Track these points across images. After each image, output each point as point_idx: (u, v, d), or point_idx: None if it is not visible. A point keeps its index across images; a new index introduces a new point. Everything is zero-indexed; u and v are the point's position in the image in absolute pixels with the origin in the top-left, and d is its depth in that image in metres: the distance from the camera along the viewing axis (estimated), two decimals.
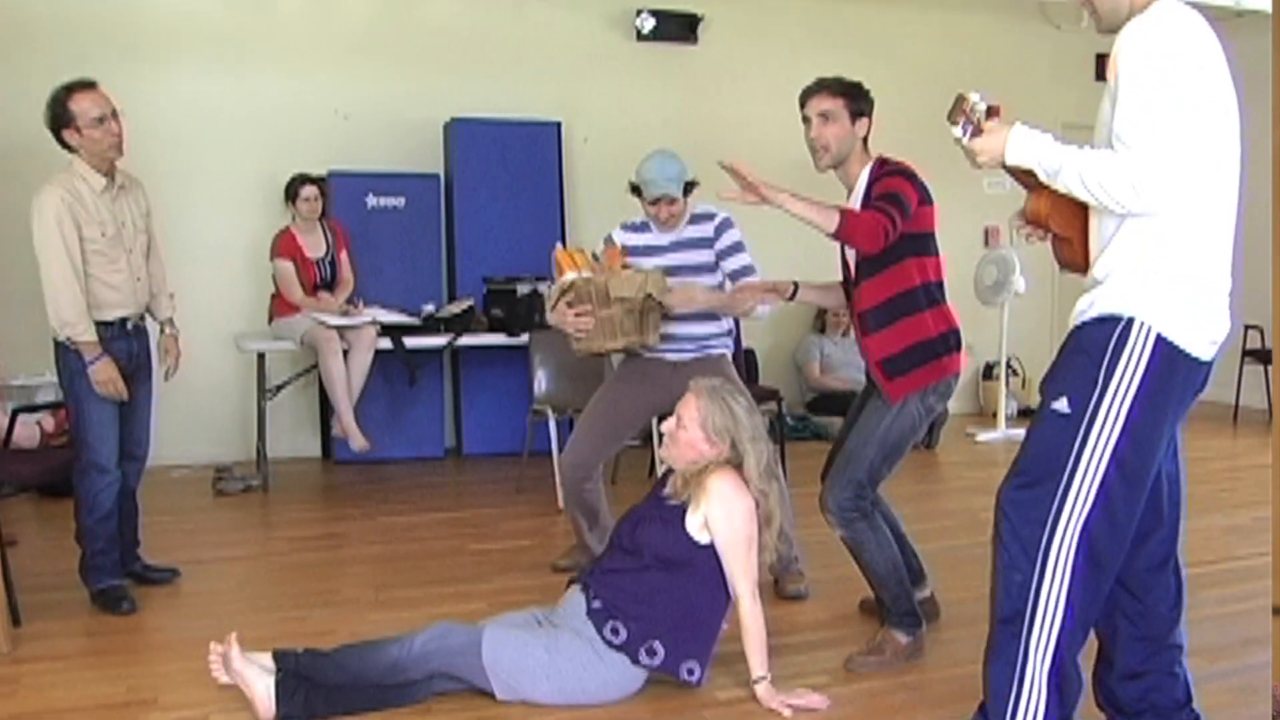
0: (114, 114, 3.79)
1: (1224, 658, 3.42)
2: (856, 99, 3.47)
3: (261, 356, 5.94)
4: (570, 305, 3.92)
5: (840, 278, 3.60)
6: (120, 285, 3.87)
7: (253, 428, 6.14)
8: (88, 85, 3.78)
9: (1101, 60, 8.46)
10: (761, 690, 3.06)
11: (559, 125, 6.85)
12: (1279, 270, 4.00)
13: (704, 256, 4.05)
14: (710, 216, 4.10)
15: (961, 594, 4.04)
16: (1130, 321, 2.43)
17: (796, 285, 3.68)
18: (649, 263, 4.05)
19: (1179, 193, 2.33)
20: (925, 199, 3.34)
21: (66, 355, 3.80)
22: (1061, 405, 2.50)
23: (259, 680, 2.92)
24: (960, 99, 2.50)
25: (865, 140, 3.48)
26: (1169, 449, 2.65)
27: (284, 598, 4.12)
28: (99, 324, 3.80)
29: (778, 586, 4.06)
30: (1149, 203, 2.32)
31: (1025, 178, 2.55)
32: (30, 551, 4.50)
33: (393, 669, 2.97)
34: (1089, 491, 2.47)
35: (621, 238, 4.16)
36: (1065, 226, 2.60)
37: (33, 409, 4.69)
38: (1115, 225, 2.45)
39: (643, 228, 4.15)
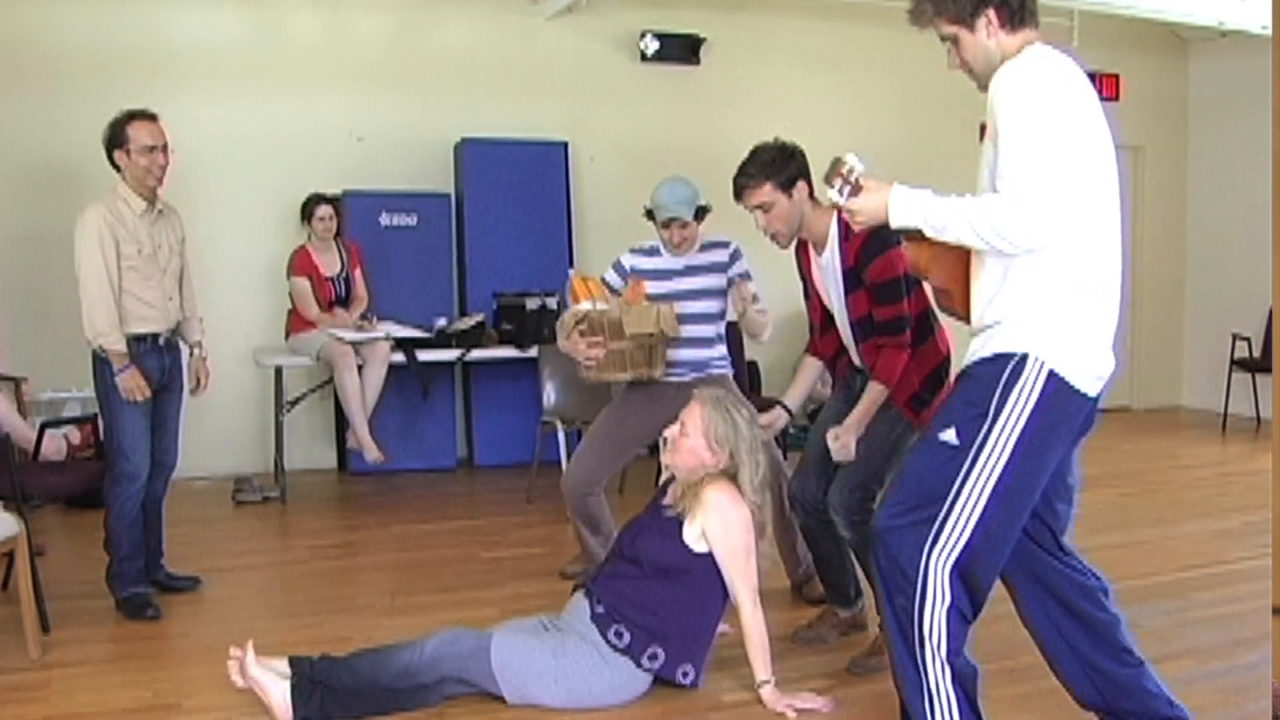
0: (164, 147, 3.97)
1: (1215, 659, 3.49)
2: (780, 172, 3.38)
3: (279, 371, 6.04)
4: (582, 334, 4.01)
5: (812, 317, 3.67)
6: (153, 302, 4.02)
7: (271, 440, 6.24)
8: (149, 116, 3.98)
9: (1092, 77, 8.56)
10: (766, 693, 3.12)
11: (566, 145, 6.96)
12: (1278, 280, 4.00)
13: (718, 281, 4.14)
14: (724, 244, 4.19)
15: None
16: (1024, 358, 2.46)
17: (784, 406, 3.67)
18: (661, 286, 4.13)
19: (1067, 226, 2.36)
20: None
21: (103, 368, 3.95)
22: (949, 436, 2.52)
23: (275, 685, 2.99)
24: (837, 161, 2.52)
25: (812, 195, 3.43)
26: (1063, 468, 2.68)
27: (301, 604, 4.21)
28: (132, 337, 3.96)
29: (802, 593, 4.13)
30: (1041, 237, 2.35)
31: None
32: (58, 561, 4.59)
33: (404, 673, 3.04)
34: (968, 520, 2.51)
35: (631, 261, 4.24)
36: (945, 279, 2.63)
37: (60, 423, 4.81)
38: (1002, 272, 2.48)
39: (653, 252, 4.23)
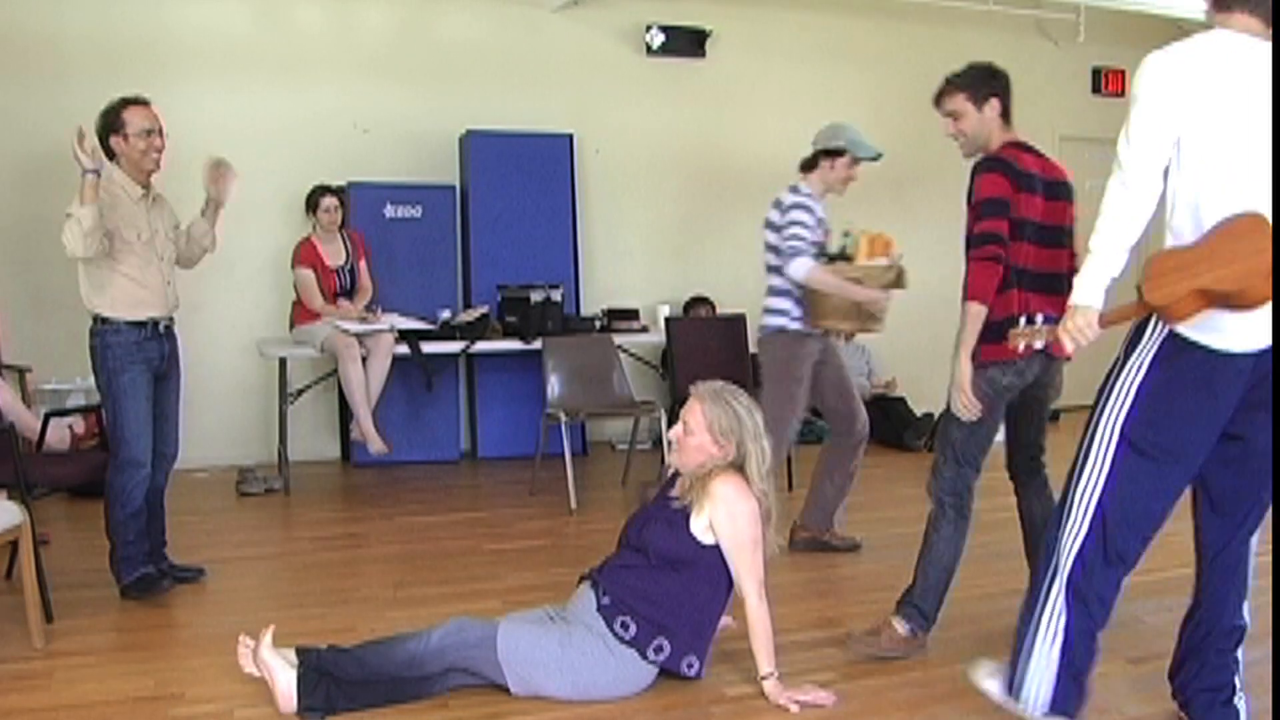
0: (160, 131, 4.01)
1: None
2: (978, 86, 3.54)
3: (283, 362, 6.03)
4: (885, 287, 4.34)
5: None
6: (152, 286, 4.04)
7: (274, 431, 6.23)
8: (142, 101, 4.02)
9: (1098, 75, 8.53)
10: (769, 686, 3.12)
11: (571, 137, 6.95)
12: (1278, 274, 4.03)
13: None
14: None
15: (964, 592, 4.10)
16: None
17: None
18: (816, 235, 4.46)
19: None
20: (1021, 186, 3.35)
21: (105, 355, 3.95)
22: None
23: (282, 674, 2.99)
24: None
25: (1006, 115, 3.56)
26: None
27: (305, 595, 4.21)
28: (133, 323, 3.98)
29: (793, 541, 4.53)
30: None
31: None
32: (62, 550, 4.60)
33: (410, 663, 3.04)
34: (1105, 459, 2.68)
35: (819, 212, 4.49)
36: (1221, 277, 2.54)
37: (64, 413, 4.80)
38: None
39: (814, 202, 4.49)
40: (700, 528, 3.16)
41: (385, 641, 3.14)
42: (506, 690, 3.09)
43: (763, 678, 3.14)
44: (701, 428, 3.19)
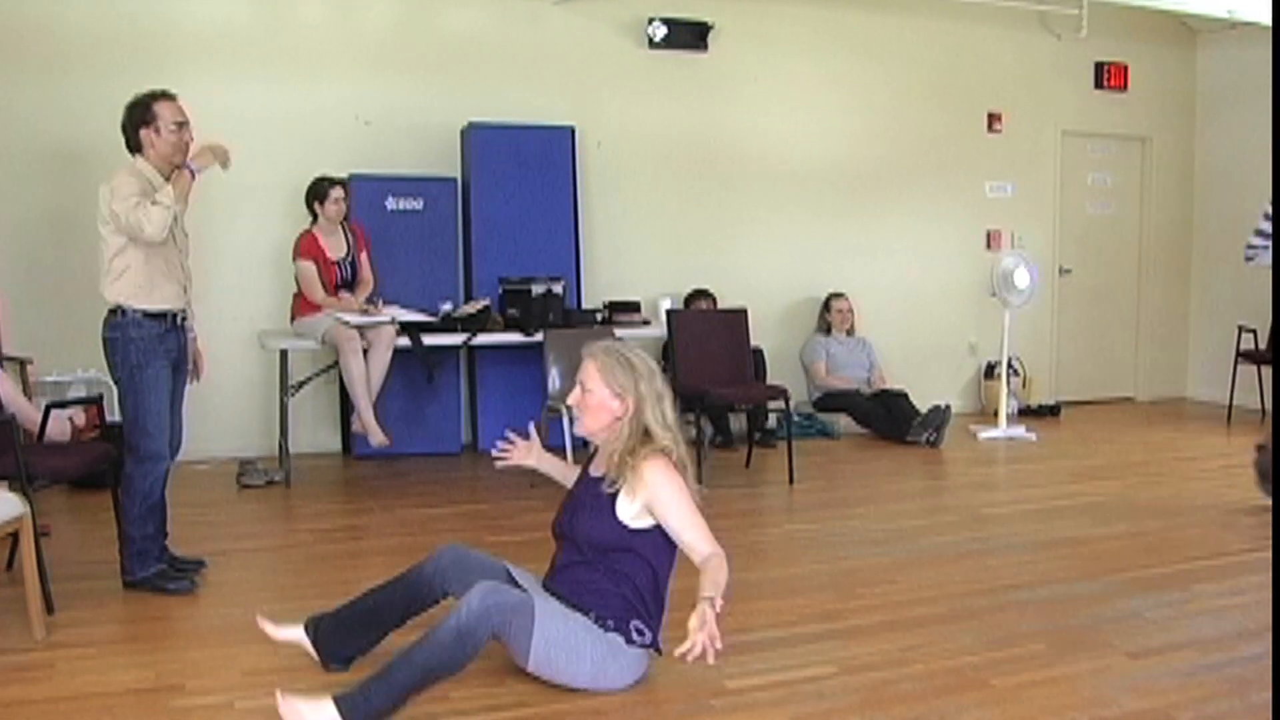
0: (188, 124, 4.03)
1: (1219, 650, 3.49)
2: None
3: (284, 354, 6.03)
4: None
5: None
6: (174, 279, 4.06)
7: (275, 423, 6.25)
8: (171, 95, 4.05)
9: (1100, 70, 8.53)
10: (703, 607, 2.83)
11: (573, 130, 6.94)
12: (1278, 272, 4.14)
13: None
14: None
15: (963, 587, 4.13)
16: None
17: None
18: None
19: None
20: None
21: (128, 348, 3.94)
22: None
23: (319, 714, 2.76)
24: None
25: None
26: None
27: (306, 587, 4.19)
28: (154, 316, 3.97)
29: None
30: None
31: None
32: (63, 542, 4.59)
33: (460, 640, 2.84)
34: None
35: None
36: None
37: (64, 404, 4.80)
38: None
39: None
40: (630, 513, 3.10)
41: (417, 647, 2.86)
42: (502, 682, 3.07)
43: (704, 597, 2.87)
44: (599, 383, 3.13)
